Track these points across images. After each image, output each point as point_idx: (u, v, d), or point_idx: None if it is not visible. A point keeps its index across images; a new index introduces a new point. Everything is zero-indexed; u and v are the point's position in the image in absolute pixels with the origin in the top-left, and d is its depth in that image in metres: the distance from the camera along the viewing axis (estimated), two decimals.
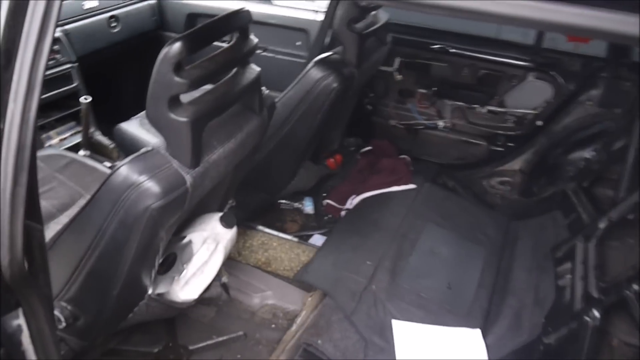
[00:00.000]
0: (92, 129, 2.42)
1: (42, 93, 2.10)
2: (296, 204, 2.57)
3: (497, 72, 2.57)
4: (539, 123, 2.57)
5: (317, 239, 2.34)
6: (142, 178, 1.16)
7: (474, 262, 2.06)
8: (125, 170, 1.18)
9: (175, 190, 1.20)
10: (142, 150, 1.23)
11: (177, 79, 1.12)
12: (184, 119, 1.16)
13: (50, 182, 1.93)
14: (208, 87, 1.27)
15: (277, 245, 2.21)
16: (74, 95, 2.36)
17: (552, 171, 2.54)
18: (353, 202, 2.39)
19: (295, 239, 2.26)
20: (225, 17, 1.28)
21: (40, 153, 2.04)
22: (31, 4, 0.86)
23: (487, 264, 2.07)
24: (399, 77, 2.73)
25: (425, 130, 2.81)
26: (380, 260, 1.98)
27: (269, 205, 2.49)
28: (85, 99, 2.15)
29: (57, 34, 2.29)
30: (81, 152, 2.30)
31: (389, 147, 2.74)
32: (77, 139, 2.38)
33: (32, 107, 0.91)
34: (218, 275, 2.01)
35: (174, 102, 1.16)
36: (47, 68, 2.26)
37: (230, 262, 2.11)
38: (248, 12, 1.33)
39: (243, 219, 2.28)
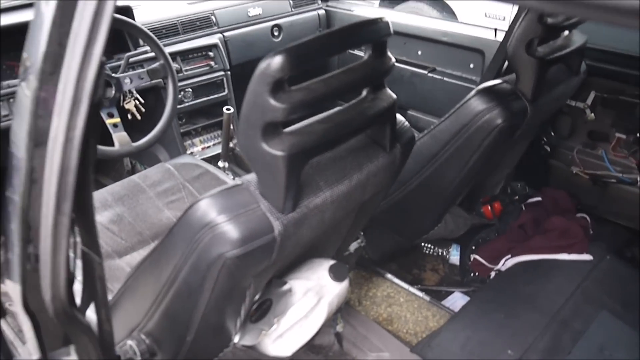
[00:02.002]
0: (235, 141, 2.36)
1: (190, 99, 2.06)
2: (441, 251, 2.25)
3: None
4: None
5: (457, 299, 2.00)
6: (221, 218, 0.96)
7: None
8: (205, 205, 0.99)
9: (258, 238, 0.97)
10: (230, 183, 1.03)
11: (273, 102, 0.89)
12: (279, 153, 0.93)
13: (179, 191, 1.92)
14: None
15: (404, 301, 1.91)
16: (223, 103, 2.34)
17: None
18: (507, 263, 1.98)
19: (427, 298, 1.93)
20: (353, 26, 1.02)
21: (176, 160, 2.04)
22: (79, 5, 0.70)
23: None
24: (591, 115, 2.23)
25: (618, 185, 2.26)
26: (526, 351, 1.56)
27: (405, 249, 2.19)
28: (227, 110, 2.08)
29: (215, 41, 2.30)
30: (220, 163, 2.25)
31: (566, 200, 2.25)
32: (219, 149, 2.34)
33: (77, 124, 0.75)
34: (333, 322, 1.80)
35: (269, 130, 0.93)
36: (200, 75, 2.30)
37: (349, 309, 1.88)
38: (387, 23, 1.05)
39: (372, 262, 2.02)
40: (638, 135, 2.13)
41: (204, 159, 2.20)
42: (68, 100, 0.74)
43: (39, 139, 0.76)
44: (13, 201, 0.83)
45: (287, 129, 0.96)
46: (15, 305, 0.93)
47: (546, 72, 1.67)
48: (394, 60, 1.10)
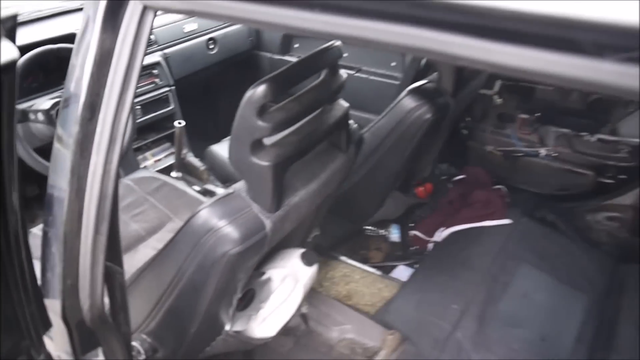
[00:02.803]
0: (185, 151, 2.48)
1: (139, 117, 2.16)
2: (382, 232, 2.50)
3: (611, 97, 2.33)
4: None
5: (402, 271, 2.25)
6: (222, 223, 1.14)
7: (573, 312, 1.87)
8: (206, 213, 1.17)
9: (254, 235, 1.17)
10: (223, 192, 1.21)
11: (260, 122, 1.08)
12: (265, 164, 1.12)
13: (141, 204, 2.00)
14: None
15: (359, 278, 2.14)
16: (170, 117, 2.45)
17: None
18: (441, 235, 2.27)
19: (379, 273, 2.18)
20: (314, 55, 1.23)
21: (134, 175, 2.13)
22: (115, 54, 0.85)
23: (589, 314, 1.87)
24: (498, 100, 2.57)
25: (525, 158, 2.62)
26: (467, 304, 1.85)
27: (353, 232, 2.43)
28: (179, 124, 2.20)
29: (157, 59, 2.39)
30: (173, 174, 2.37)
31: (484, 175, 2.58)
32: (171, 160, 2.46)
33: (113, 159, 0.91)
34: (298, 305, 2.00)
35: (257, 146, 1.12)
36: (146, 92, 2.38)
37: (311, 292, 2.06)
38: (339, 48, 1.27)
39: (326, 248, 2.24)
40: (537, 114, 2.49)
41: (157, 171, 2.32)
42: (105, 140, 0.89)
43: (80, 173, 0.91)
44: (55, 227, 0.96)
45: (269, 142, 1.16)
46: (54, 316, 1.06)
47: (463, 70, 1.96)
48: (345, 76, 1.33)
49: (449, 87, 1.93)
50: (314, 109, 1.24)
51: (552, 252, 2.15)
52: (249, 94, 1.08)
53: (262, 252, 1.23)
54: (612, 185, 2.45)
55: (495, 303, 1.88)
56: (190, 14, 0.86)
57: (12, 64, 0.80)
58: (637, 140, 2.33)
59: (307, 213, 1.38)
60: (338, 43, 1.27)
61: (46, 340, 1.11)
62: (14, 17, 0.82)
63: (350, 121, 1.47)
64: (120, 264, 1.08)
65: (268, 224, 1.18)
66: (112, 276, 1.07)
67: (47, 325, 1.06)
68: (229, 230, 1.14)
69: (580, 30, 0.49)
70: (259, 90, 1.07)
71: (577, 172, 2.51)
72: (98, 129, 0.88)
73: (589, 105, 2.39)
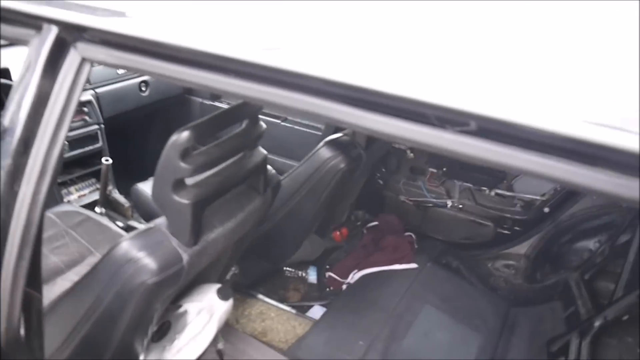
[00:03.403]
0: (110, 188, 2.52)
1: (67, 152, 2.19)
2: (300, 273, 2.61)
3: None
4: (546, 210, 2.60)
5: (317, 310, 2.36)
6: (141, 254, 1.23)
7: (468, 350, 2.05)
8: (127, 245, 1.25)
9: (171, 267, 1.26)
10: (144, 227, 1.30)
11: (182, 164, 1.19)
12: (185, 202, 1.23)
13: (62, 237, 2.01)
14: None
15: (275, 315, 2.24)
16: (98, 154, 2.49)
17: (556, 259, 2.55)
18: (354, 276, 2.42)
19: (294, 311, 2.28)
20: (236, 107, 1.37)
21: (56, 209, 2.13)
22: (52, 97, 0.95)
23: (482, 352, 2.05)
24: (410, 155, 2.81)
25: (434, 208, 2.86)
26: (373, 341, 1.98)
27: (271, 273, 2.53)
28: (106, 161, 2.26)
29: (89, 97, 2.45)
30: (97, 210, 2.40)
31: (396, 222, 2.79)
32: (95, 196, 2.49)
33: (42, 190, 0.98)
34: (215, 341, 2.06)
35: (178, 185, 1.23)
36: (75, 128, 2.42)
37: (228, 328, 2.13)
38: None
39: (244, 286, 2.33)
40: (444, 169, 2.74)
41: (81, 206, 2.34)
42: (36, 173, 0.98)
43: (8, 202, 0.98)
44: None
45: (190, 182, 1.27)
46: None
47: None
48: (264, 126, 1.48)
49: (362, 140, 2.13)
50: (233, 154, 1.38)
51: (453, 294, 2.35)
52: (174, 137, 1.20)
53: (178, 283, 1.32)
54: (509, 236, 2.72)
55: (399, 340, 2.03)
56: (123, 68, 0.98)
57: None
58: (529, 196, 2.62)
59: (223, 249, 1.49)
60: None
61: None
62: None
63: (269, 167, 1.61)
64: (39, 290, 1.13)
65: (185, 257, 1.28)
66: (31, 302, 1.12)
67: None
68: (148, 262, 1.23)
69: (429, 108, 0.66)
70: (183, 135, 1.19)
71: (479, 223, 2.77)
72: (30, 162, 0.97)
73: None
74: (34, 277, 1.09)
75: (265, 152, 1.51)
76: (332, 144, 2.06)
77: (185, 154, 1.20)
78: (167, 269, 1.25)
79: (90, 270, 1.32)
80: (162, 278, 1.24)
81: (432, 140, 0.72)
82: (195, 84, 0.85)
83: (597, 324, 1.84)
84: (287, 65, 0.73)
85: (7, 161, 0.96)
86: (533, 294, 2.53)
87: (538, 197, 2.61)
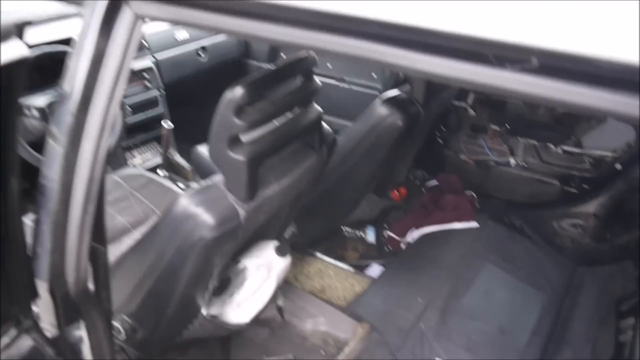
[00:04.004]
0: (171, 151, 2.58)
1: (129, 117, 2.24)
2: (359, 232, 2.61)
3: (576, 112, 2.47)
4: (618, 166, 2.46)
5: (375, 270, 2.36)
6: (199, 210, 1.26)
7: (532, 308, 2.00)
8: (185, 201, 1.28)
9: (228, 223, 1.28)
10: (203, 184, 1.33)
11: (237, 121, 1.20)
12: (242, 158, 1.24)
13: (127, 199, 2.08)
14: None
15: (333, 273, 2.26)
16: (159, 119, 2.54)
17: (628, 218, 2.42)
18: (413, 235, 2.40)
19: (352, 269, 2.29)
20: (290, 63, 1.36)
21: (122, 172, 2.21)
22: (108, 55, 0.96)
23: (546, 310, 2.00)
24: (472, 112, 2.72)
25: (497, 167, 2.76)
26: (432, 298, 1.97)
27: (331, 232, 2.54)
28: (167, 125, 2.31)
29: (149, 64, 2.50)
30: (160, 172, 2.47)
31: (457, 182, 2.72)
32: (158, 160, 2.54)
33: (102, 147, 1.02)
34: (274, 298, 2.10)
35: (234, 142, 1.24)
36: (137, 93, 2.47)
37: (287, 286, 2.18)
38: (313, 57, 1.40)
39: (303, 245, 2.35)
40: (507, 126, 2.63)
41: (145, 170, 2.41)
42: (96, 130, 1.01)
43: (71, 158, 1.02)
44: (46, 208, 1.06)
45: (245, 139, 1.28)
46: (42, 289, 1.16)
47: (433, 83, 2.09)
48: (319, 83, 1.46)
49: (420, 97, 2.07)
50: (287, 110, 1.37)
51: (515, 253, 2.28)
52: (228, 94, 1.20)
53: (236, 239, 1.35)
54: (576, 194, 2.60)
55: (459, 298, 2.01)
56: (176, 22, 0.98)
57: (23, 61, 0.92)
58: (599, 152, 2.48)
59: (279, 206, 1.50)
60: (312, 53, 1.40)
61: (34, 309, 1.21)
62: (26, 22, 0.94)
63: (325, 125, 1.59)
64: (104, 244, 1.18)
65: (242, 213, 1.30)
66: (97, 255, 1.17)
67: (34, 294, 1.15)
68: (206, 217, 1.25)
69: (486, 45, 0.62)
70: (237, 91, 1.19)
71: (544, 182, 2.66)
72: (89, 119, 1.00)
73: (555, 119, 2.54)
74: (99, 232, 1.13)
75: (320, 109, 1.49)
76: (389, 101, 2.01)
77: (239, 111, 1.20)
78: (224, 224, 1.27)
79: (153, 227, 1.37)
80: (220, 233, 1.27)
81: (490, 81, 0.68)
82: (247, 35, 0.84)
83: None
84: (342, 10, 0.70)
85: (68, 119, 1.00)
86: (601, 253, 2.42)
87: (609, 154, 2.47)
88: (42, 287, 1.14)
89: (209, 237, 1.26)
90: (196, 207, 1.27)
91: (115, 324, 1.55)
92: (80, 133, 1.00)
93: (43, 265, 1.12)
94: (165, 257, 1.35)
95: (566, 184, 2.62)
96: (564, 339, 1.88)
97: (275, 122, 1.35)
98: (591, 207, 2.54)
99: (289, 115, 1.40)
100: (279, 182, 1.40)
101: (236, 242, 1.38)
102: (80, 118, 0.99)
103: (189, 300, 1.50)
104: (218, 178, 1.34)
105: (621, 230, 2.44)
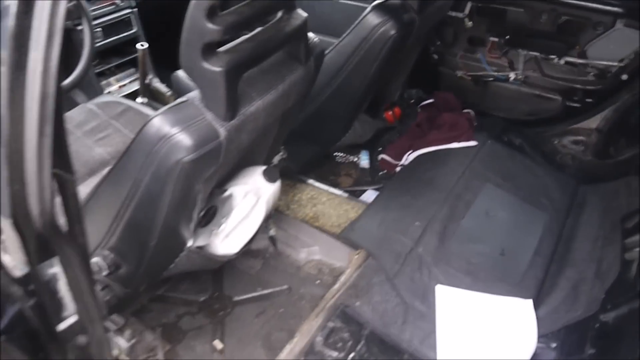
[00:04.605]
0: (150, 76, 2.42)
1: (100, 39, 2.06)
2: (352, 157, 2.51)
3: (581, 19, 2.31)
4: (624, 77, 2.32)
5: (370, 195, 2.27)
6: (174, 130, 1.13)
7: (533, 228, 1.92)
8: (158, 121, 1.15)
9: (208, 143, 1.16)
10: (177, 101, 1.19)
11: (210, 25, 1.05)
12: (218, 69, 1.10)
13: (106, 129, 1.97)
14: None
15: (326, 200, 2.17)
16: (134, 41, 2.36)
17: (633, 131, 2.31)
18: (409, 158, 2.29)
19: (345, 195, 2.20)
20: None
21: (97, 100, 2.08)
22: None
23: (548, 230, 1.92)
24: (469, 23, 2.54)
25: (495, 83, 2.63)
26: (430, 221, 1.89)
27: (323, 157, 2.43)
28: (141, 46, 2.13)
29: None
30: (139, 99, 2.31)
31: (453, 100, 2.58)
32: (136, 85, 2.40)
33: (52, 56, 0.88)
34: (266, 228, 2.02)
35: (208, 50, 1.10)
36: (106, 14, 2.29)
37: (279, 215, 2.10)
38: None
39: (294, 172, 2.25)
40: (507, 37, 2.47)
41: (122, 97, 2.26)
42: (43, 35, 0.86)
43: (18, 69, 0.88)
44: None
45: (222, 49, 1.13)
46: (5, 225, 1.05)
47: None
48: None
49: (414, 3, 1.89)
50: (268, 14, 1.21)
51: (515, 172, 2.19)
52: None
53: (218, 161, 1.22)
54: (579, 109, 2.48)
55: (457, 220, 1.93)
56: None
57: None
58: (604, 63, 2.34)
59: (265, 126, 1.37)
60: None
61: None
62: None
63: (312, 35, 1.44)
64: (70, 170, 1.06)
65: (222, 132, 1.17)
66: (63, 185, 1.06)
67: None
68: (182, 138, 1.13)
69: None
70: None
71: (545, 97, 2.54)
72: (34, 24, 0.85)
73: (558, 28, 2.38)
74: (61, 157, 1.01)
75: (305, 14, 1.33)
76: (381, 8, 1.84)
77: (212, 13, 1.05)
78: (203, 145, 1.15)
79: (125, 152, 1.24)
80: (199, 155, 1.15)
81: None
82: None
83: None
84: None
85: (9, 23, 0.85)
86: (605, 170, 2.34)
87: (615, 64, 2.33)
88: (6, 223, 1.03)
89: (186, 159, 1.14)
90: (171, 127, 1.13)
91: (96, 259, 1.45)
92: (26, 40, 0.86)
93: (4, 199, 1.01)
94: (141, 184, 1.23)
95: (568, 98, 2.50)
96: (567, 259, 1.82)
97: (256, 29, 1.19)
98: (594, 122, 2.44)
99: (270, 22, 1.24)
100: (262, 98, 1.26)
101: (218, 166, 1.26)
102: (23, 22, 0.85)
103: (173, 231, 1.40)
104: (194, 94, 1.20)
105: (625, 145, 2.34)
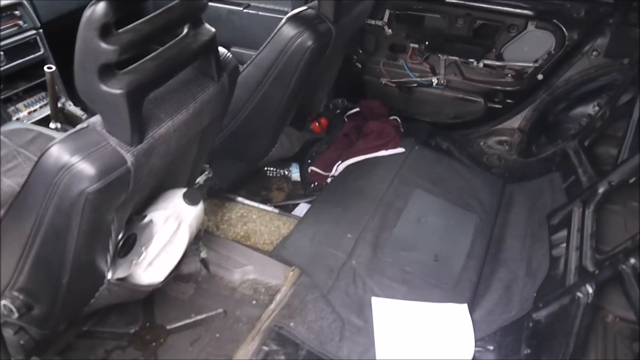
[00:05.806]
0: (63, 99, 2.30)
1: (4, 63, 1.95)
2: (283, 171, 2.46)
3: (495, 22, 2.39)
4: (540, 77, 2.41)
5: (303, 208, 2.23)
6: (75, 159, 1.04)
7: (465, 231, 1.94)
8: (56, 150, 1.06)
9: (113, 171, 1.08)
10: (77, 127, 1.11)
11: (104, 45, 0.97)
12: (118, 91, 1.02)
13: (14, 158, 1.83)
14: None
15: (256, 217, 2.11)
16: (42, 63, 2.23)
17: (552, 129, 2.41)
18: (338, 168, 2.27)
19: (276, 211, 2.15)
20: None
21: (4, 128, 1.94)
22: None
23: (479, 232, 1.95)
24: (389, 31, 2.56)
25: (419, 89, 2.66)
26: (361, 232, 1.86)
27: (252, 173, 2.37)
28: (49, 68, 2.01)
29: None
30: (52, 125, 2.18)
31: (380, 107, 2.59)
32: (47, 111, 2.26)
33: None
34: (196, 250, 1.94)
35: (105, 72, 1.02)
36: (10, 36, 2.15)
37: (209, 236, 2.02)
38: None
39: (222, 190, 2.18)
40: (427, 43, 2.50)
41: (33, 123, 2.14)
42: None
43: None
44: None
45: (123, 70, 1.06)
46: None
47: None
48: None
49: (329, 13, 1.87)
50: (170, 31, 1.15)
51: (444, 176, 2.22)
52: (88, 12, 0.97)
53: (127, 189, 1.14)
54: (501, 110, 2.55)
55: (389, 229, 1.92)
56: None
57: None
58: (520, 64, 2.42)
59: (179, 147, 1.30)
60: None
61: None
62: None
63: (223, 50, 1.38)
64: None
65: (129, 158, 1.10)
66: None
67: None
68: (84, 167, 1.04)
69: None
70: (99, 7, 0.96)
71: (468, 100, 2.59)
72: None
73: (475, 32, 2.44)
74: None
75: (213, 29, 1.28)
76: (296, 19, 1.81)
77: (105, 32, 0.97)
78: (108, 172, 1.07)
79: (23, 185, 1.14)
80: (104, 184, 1.06)
81: None
82: None
83: (601, 190, 1.71)
84: None
85: None
86: (529, 168, 2.42)
87: (530, 64, 2.42)
88: None
89: (90, 189, 1.05)
90: (71, 156, 1.05)
91: (5, 302, 1.33)
92: None
93: None
94: (44, 219, 1.14)
95: (490, 100, 2.57)
96: (498, 260, 1.85)
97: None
98: (515, 122, 2.52)
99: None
100: (172, 119, 1.20)
101: (129, 194, 1.18)
102: None
103: (87, 264, 1.30)
104: (95, 119, 1.11)
105: (546, 143, 2.42)
